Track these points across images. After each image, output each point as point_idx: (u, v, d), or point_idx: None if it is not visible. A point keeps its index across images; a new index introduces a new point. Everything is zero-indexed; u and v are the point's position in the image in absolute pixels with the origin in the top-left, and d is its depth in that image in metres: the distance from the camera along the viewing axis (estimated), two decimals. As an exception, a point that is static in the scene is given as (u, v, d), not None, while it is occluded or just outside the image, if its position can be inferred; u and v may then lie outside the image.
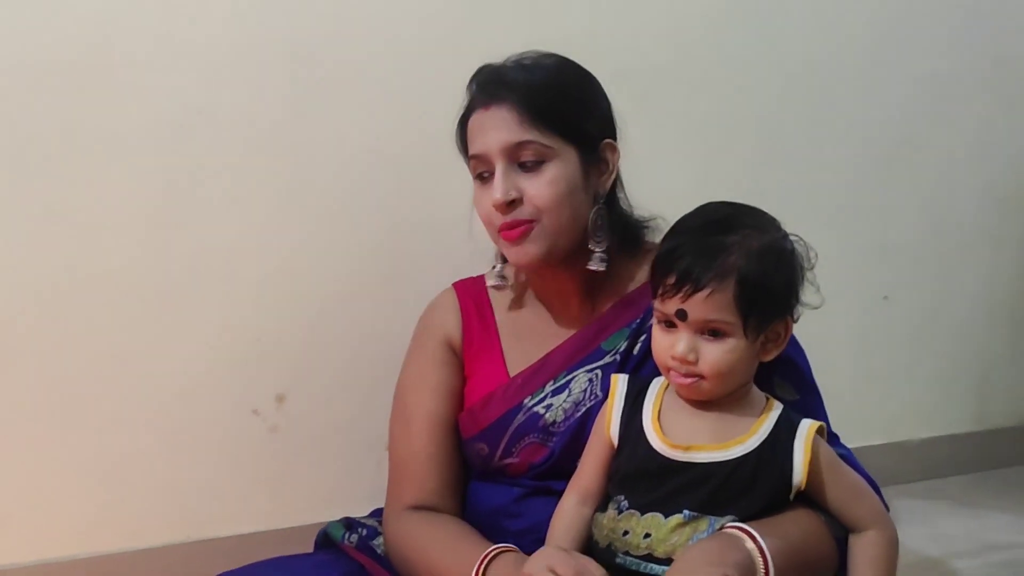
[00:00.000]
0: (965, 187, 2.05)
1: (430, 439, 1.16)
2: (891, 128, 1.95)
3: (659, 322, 0.97)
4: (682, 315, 0.93)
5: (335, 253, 1.51)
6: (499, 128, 1.06)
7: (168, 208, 1.40)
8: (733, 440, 0.93)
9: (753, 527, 0.89)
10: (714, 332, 0.92)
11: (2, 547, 1.33)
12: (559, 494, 1.05)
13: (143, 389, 1.41)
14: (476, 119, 1.09)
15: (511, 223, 1.07)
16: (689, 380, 0.93)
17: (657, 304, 0.96)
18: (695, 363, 0.93)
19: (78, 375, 1.37)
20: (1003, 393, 2.15)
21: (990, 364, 2.14)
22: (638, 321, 1.11)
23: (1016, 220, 2.12)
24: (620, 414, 0.98)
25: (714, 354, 0.92)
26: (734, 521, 0.90)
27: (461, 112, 1.13)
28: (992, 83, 2.04)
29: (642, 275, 1.14)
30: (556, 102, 1.07)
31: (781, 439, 0.94)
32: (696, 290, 0.91)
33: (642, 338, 1.10)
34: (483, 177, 1.09)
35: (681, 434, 0.94)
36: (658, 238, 1.14)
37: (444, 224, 1.50)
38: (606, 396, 1.07)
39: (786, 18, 1.82)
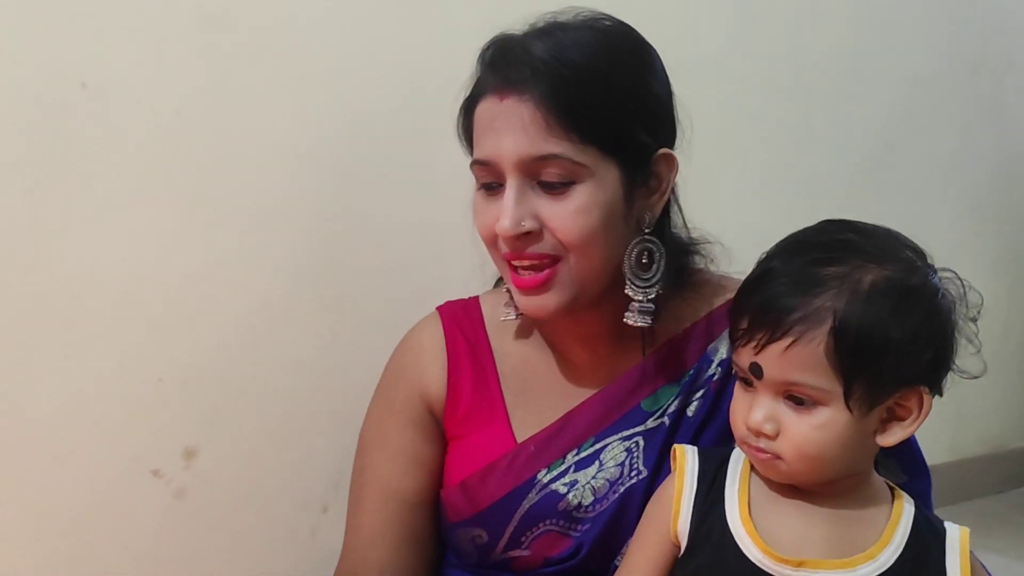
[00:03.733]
0: (941, 196, 1.95)
1: (379, 515, 0.91)
2: (869, 134, 1.85)
3: (738, 379, 0.73)
4: (757, 371, 0.70)
5: (259, 268, 1.20)
6: (516, 132, 0.78)
7: (38, 209, 1.06)
8: (860, 555, 0.70)
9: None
10: (798, 399, 0.69)
11: None
12: (588, 601, 0.80)
13: (10, 447, 1.07)
14: (486, 110, 0.81)
15: (523, 257, 0.80)
16: (764, 455, 0.70)
17: (733, 355, 0.73)
18: (774, 437, 0.69)
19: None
20: (977, 420, 2.04)
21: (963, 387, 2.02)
22: (691, 373, 0.86)
23: (990, 231, 2.02)
24: (692, 503, 0.73)
25: (798, 429, 0.69)
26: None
27: (467, 93, 0.85)
28: (969, 89, 1.94)
29: (693, 313, 0.89)
30: (598, 100, 0.78)
31: (926, 553, 0.71)
32: (772, 339, 0.68)
33: (698, 395, 0.85)
34: (489, 188, 0.82)
35: (787, 541, 0.70)
36: (711, 265, 0.91)
37: (404, 231, 1.25)
38: (653, 474, 0.82)
39: (766, 20, 1.68)
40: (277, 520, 1.26)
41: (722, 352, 0.86)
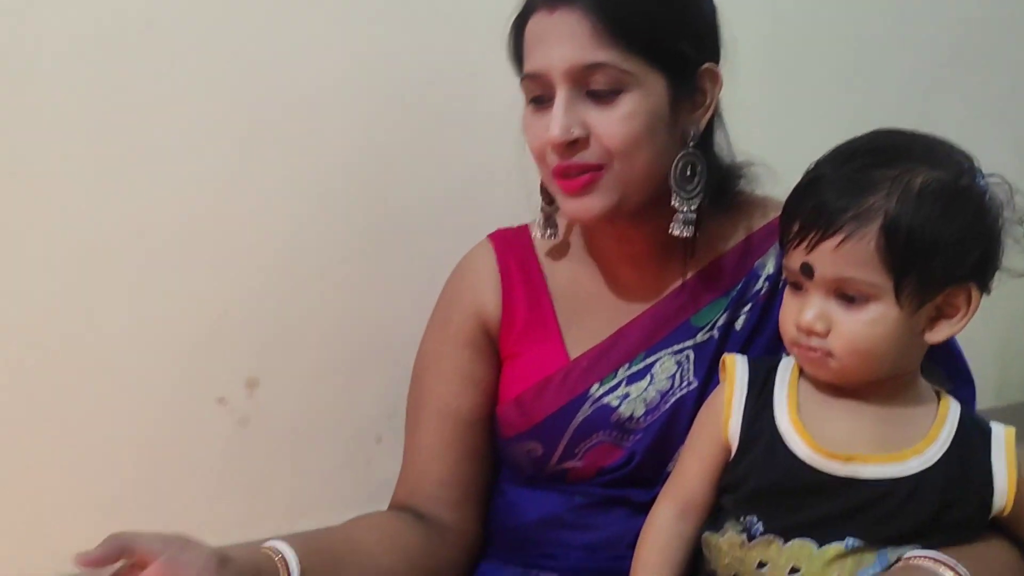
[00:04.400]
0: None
1: (437, 434, 0.95)
2: (933, 49, 1.79)
3: (789, 283, 0.75)
4: (808, 271, 0.71)
5: (317, 205, 1.23)
6: (565, 42, 0.81)
7: (105, 146, 1.10)
8: (907, 450, 0.72)
9: (952, 557, 0.68)
10: (849, 296, 0.71)
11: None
12: (639, 506, 0.84)
13: (82, 378, 1.13)
14: (536, 25, 0.84)
15: (571, 167, 0.83)
16: (815, 354, 0.72)
17: (783, 259, 0.75)
18: (825, 335, 0.71)
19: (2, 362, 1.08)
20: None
21: (1010, 330, 2.01)
22: (739, 288, 0.88)
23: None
24: (742, 407, 0.76)
25: (849, 325, 0.71)
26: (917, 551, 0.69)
27: (516, 13, 0.87)
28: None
29: (736, 232, 0.91)
30: (645, 11, 0.81)
31: (972, 450, 0.73)
32: (824, 236, 0.70)
33: (746, 309, 0.87)
34: (539, 102, 0.85)
35: (836, 439, 0.72)
36: (756, 188, 0.93)
37: (454, 164, 1.27)
38: (703, 384, 0.85)
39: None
40: (334, 450, 1.31)
41: (769, 267, 0.89)
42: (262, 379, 1.24)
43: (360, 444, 1.31)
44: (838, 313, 0.71)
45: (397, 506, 0.94)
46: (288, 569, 0.75)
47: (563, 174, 0.84)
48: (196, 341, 1.19)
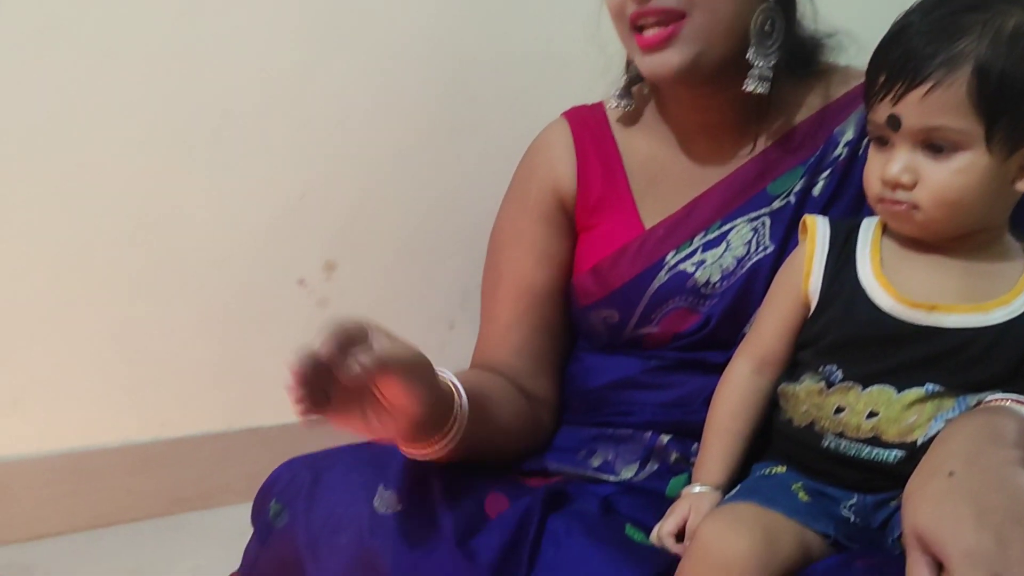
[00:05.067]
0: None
1: (514, 306, 0.97)
2: None
3: (873, 139, 0.75)
4: (894, 123, 0.71)
5: (392, 94, 1.26)
6: None
7: (188, 34, 1.13)
8: (992, 301, 0.72)
9: (1035, 398, 0.69)
10: (937, 146, 0.70)
11: (14, 435, 1.12)
12: (714, 367, 0.85)
13: (170, 256, 1.18)
14: None
15: (649, 12, 0.82)
16: (900, 207, 0.72)
17: (868, 114, 0.75)
18: (911, 187, 0.71)
19: (96, 240, 1.13)
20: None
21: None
22: (817, 155, 0.88)
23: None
24: (823, 264, 0.77)
25: (938, 176, 0.70)
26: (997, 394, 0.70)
27: None
28: None
29: (815, 100, 0.91)
30: None
31: None
32: (912, 85, 0.69)
33: (824, 175, 0.88)
34: None
35: (918, 290, 0.73)
36: (839, 58, 0.92)
37: (525, 52, 1.28)
38: (780, 248, 0.86)
39: None
40: (409, 334, 1.32)
41: (849, 134, 0.88)
42: (340, 262, 1.28)
43: (434, 329, 1.35)
44: (925, 164, 0.70)
45: (482, 367, 0.97)
46: (460, 403, 0.77)
47: (641, 24, 0.83)
48: (276, 224, 1.23)
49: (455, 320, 1.36)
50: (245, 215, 1.21)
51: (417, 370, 0.70)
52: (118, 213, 1.15)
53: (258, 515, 0.87)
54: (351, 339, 0.67)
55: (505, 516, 0.79)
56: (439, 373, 0.78)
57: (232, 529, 1.06)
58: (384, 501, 0.81)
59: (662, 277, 0.89)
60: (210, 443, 1.21)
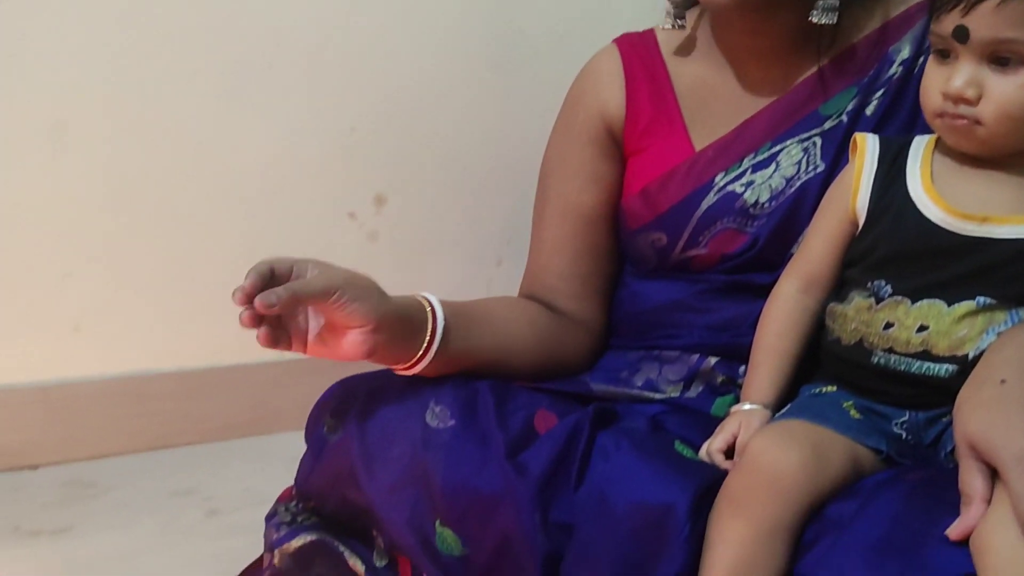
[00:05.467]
0: None
1: (559, 229, 0.98)
2: None
3: (934, 52, 0.73)
4: (961, 34, 0.69)
5: (444, 27, 1.26)
6: None
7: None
8: None
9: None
10: (1004, 59, 0.68)
11: (77, 358, 1.16)
12: (762, 288, 0.86)
13: (225, 185, 1.21)
14: None
15: None
16: (962, 122, 0.71)
17: (932, 25, 0.73)
18: (975, 102, 0.70)
19: (152, 168, 1.16)
20: None
21: None
22: (871, 74, 0.87)
23: None
24: (872, 181, 0.76)
25: (1004, 89, 0.68)
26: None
27: None
28: None
29: (872, 20, 0.90)
30: None
31: None
32: None
33: (878, 94, 0.87)
34: None
35: (970, 202, 0.72)
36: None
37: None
38: (830, 168, 0.85)
39: None
40: (456, 270, 1.37)
41: (905, 52, 0.87)
42: (389, 196, 1.30)
43: (481, 266, 1.36)
44: (991, 78, 0.69)
45: (525, 296, 0.99)
46: (435, 319, 0.81)
47: None
48: (327, 157, 1.25)
49: (502, 257, 1.37)
50: (297, 148, 1.23)
51: (343, 293, 0.75)
52: (173, 146, 1.18)
53: (313, 430, 0.89)
54: (277, 275, 0.75)
55: (554, 432, 0.80)
56: (419, 297, 0.83)
57: (284, 455, 1.09)
58: (436, 416, 0.83)
59: (711, 198, 0.89)
60: (263, 371, 1.24)
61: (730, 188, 0.89)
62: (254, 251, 1.22)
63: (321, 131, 1.24)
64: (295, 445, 1.04)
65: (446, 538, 0.79)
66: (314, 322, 0.78)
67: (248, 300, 0.73)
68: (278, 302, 0.71)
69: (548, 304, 0.96)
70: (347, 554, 0.85)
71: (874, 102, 0.86)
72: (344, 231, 1.28)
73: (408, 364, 0.82)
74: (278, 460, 1.10)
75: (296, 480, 0.91)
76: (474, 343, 0.86)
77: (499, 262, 1.37)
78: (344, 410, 0.86)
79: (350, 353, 0.78)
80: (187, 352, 1.21)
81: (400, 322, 0.79)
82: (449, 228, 1.34)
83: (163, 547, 0.98)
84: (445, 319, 0.82)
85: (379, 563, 0.86)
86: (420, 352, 0.81)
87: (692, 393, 0.90)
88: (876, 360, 0.74)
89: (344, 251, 1.28)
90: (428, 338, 0.81)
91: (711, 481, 0.73)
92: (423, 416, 0.83)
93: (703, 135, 0.92)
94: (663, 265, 0.93)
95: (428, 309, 0.82)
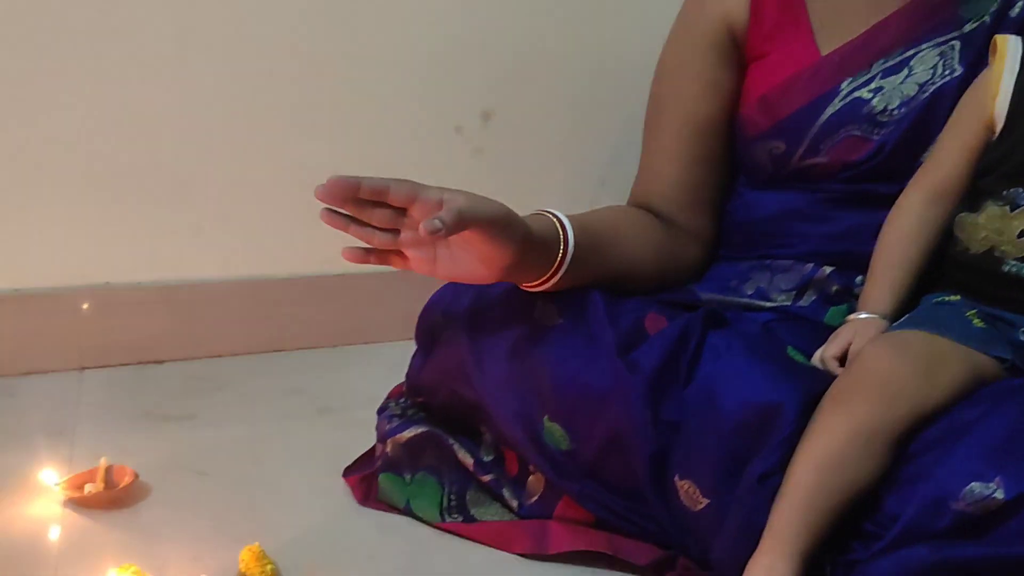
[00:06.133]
0: None
1: (675, 136, 0.96)
2: None
3: None
4: None
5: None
6: None
7: None
8: None
9: None
10: None
11: (198, 260, 1.21)
12: (884, 198, 0.84)
13: (337, 97, 1.23)
14: None
15: None
16: None
17: None
18: None
19: (270, 77, 1.19)
20: None
21: None
22: None
23: None
24: (1012, 84, 0.73)
25: None
26: None
27: None
28: None
29: None
30: None
31: None
32: None
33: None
34: None
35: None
36: None
37: None
38: (968, 72, 0.82)
39: None
40: (560, 188, 1.37)
41: (1056, -49, 0.83)
42: (496, 112, 1.30)
43: (584, 185, 1.36)
44: None
45: (635, 205, 0.98)
46: (566, 239, 0.80)
47: None
48: (435, 69, 1.26)
49: (605, 178, 1.37)
50: (407, 58, 1.24)
51: (499, 222, 0.73)
52: (291, 56, 1.20)
53: (423, 328, 0.92)
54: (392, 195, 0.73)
55: (665, 331, 0.81)
56: (546, 213, 0.81)
57: (389, 362, 1.12)
58: (545, 314, 0.84)
59: (836, 105, 0.87)
60: (373, 281, 1.26)
61: (857, 94, 0.86)
62: (365, 163, 1.25)
63: (431, 43, 1.24)
64: (400, 353, 1.07)
65: (553, 432, 0.81)
66: (445, 249, 0.77)
67: (333, 197, 0.73)
68: (444, 228, 0.69)
69: (659, 214, 0.95)
70: (456, 447, 0.88)
71: (1019, 4, 0.82)
72: (450, 146, 1.29)
73: (537, 283, 0.82)
74: (384, 367, 1.13)
75: (407, 376, 0.94)
76: (600, 260, 0.85)
77: (602, 183, 1.36)
78: (454, 308, 0.88)
79: (485, 276, 0.77)
80: (299, 259, 1.25)
81: (535, 244, 0.78)
82: (554, 146, 1.34)
83: (279, 437, 1.03)
84: (575, 239, 0.81)
85: (486, 457, 0.89)
86: (550, 272, 0.80)
87: (804, 302, 0.89)
88: (1007, 269, 0.72)
89: (449, 166, 1.30)
90: (559, 258, 0.80)
91: (822, 386, 0.73)
92: (531, 314, 0.84)
93: (830, 39, 0.89)
94: (779, 174, 0.92)
95: (559, 228, 0.81)
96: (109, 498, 0.87)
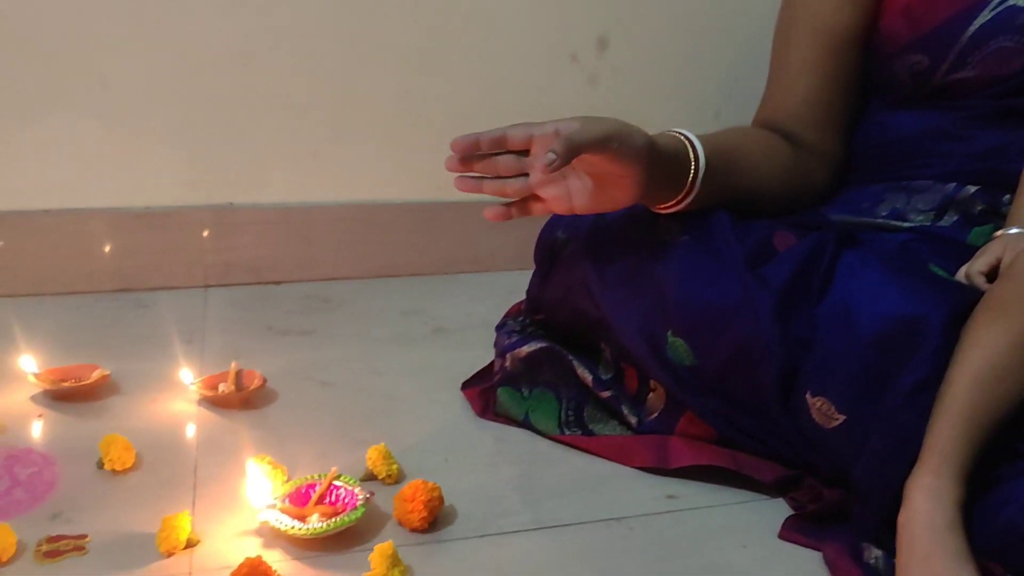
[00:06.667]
0: None
1: (808, 51, 0.92)
2: None
3: None
4: None
5: None
6: None
7: None
8: None
9: None
10: None
11: (315, 184, 1.23)
12: (1033, 115, 0.79)
13: (452, 25, 1.22)
14: None
15: None
16: None
17: None
18: None
19: (384, 5, 1.19)
20: None
21: None
22: None
23: None
24: None
25: None
26: None
27: None
28: None
29: None
30: None
31: None
32: None
33: None
34: None
35: None
36: None
37: None
38: None
39: None
40: (671, 120, 1.33)
41: None
42: (612, 40, 1.28)
43: (700, 117, 1.33)
44: None
45: (761, 125, 0.96)
46: (697, 158, 0.79)
47: None
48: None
49: (720, 109, 1.33)
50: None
51: (615, 137, 0.72)
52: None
53: (543, 247, 0.91)
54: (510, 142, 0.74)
55: (795, 248, 0.79)
56: (674, 132, 0.80)
57: (502, 289, 1.13)
58: (668, 231, 0.83)
59: (986, 15, 0.82)
60: (467, 208, 1.28)
61: (1011, 2, 0.81)
62: (478, 90, 1.26)
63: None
64: (513, 281, 1.08)
65: (677, 348, 0.80)
66: (577, 180, 0.76)
67: (459, 159, 0.76)
68: (558, 158, 0.68)
69: (788, 134, 0.92)
70: (576, 363, 0.88)
71: None
72: (566, 73, 1.27)
73: (671, 203, 0.80)
74: (497, 294, 1.14)
75: (527, 293, 0.94)
76: (729, 180, 0.83)
77: (717, 114, 1.33)
78: (575, 226, 0.88)
79: (622, 199, 0.76)
80: (414, 185, 1.26)
81: (663, 158, 0.76)
82: (669, 76, 1.31)
83: (397, 353, 1.05)
84: (706, 160, 0.79)
85: (604, 375, 0.88)
86: (684, 191, 0.79)
87: (944, 222, 0.86)
88: None
89: (564, 95, 1.29)
90: (691, 175, 0.79)
91: (970, 299, 0.70)
92: (654, 231, 0.83)
93: None
94: (919, 92, 0.88)
95: (687, 145, 0.79)
96: (240, 399, 0.90)
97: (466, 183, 0.77)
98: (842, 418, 0.71)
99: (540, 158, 0.70)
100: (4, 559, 0.66)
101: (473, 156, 0.76)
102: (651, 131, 0.82)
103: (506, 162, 0.75)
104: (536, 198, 0.78)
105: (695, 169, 0.79)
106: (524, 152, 0.75)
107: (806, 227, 0.85)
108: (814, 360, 0.74)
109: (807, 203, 0.93)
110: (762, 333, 0.75)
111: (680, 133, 0.81)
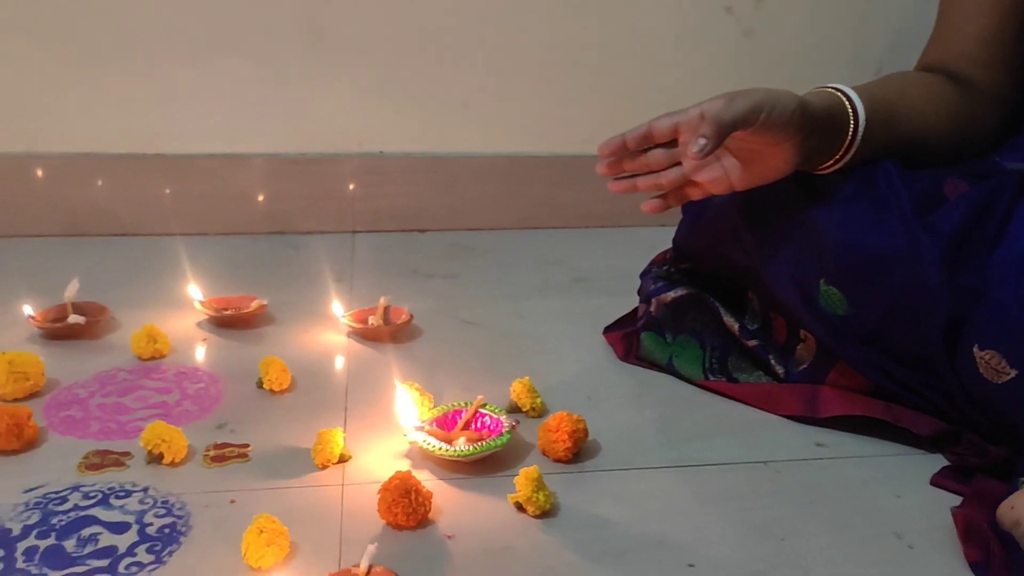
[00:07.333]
0: None
1: None
2: None
3: None
4: None
5: None
6: None
7: None
8: None
9: None
10: None
11: (463, 134, 1.25)
12: None
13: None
14: None
15: None
16: None
17: None
18: None
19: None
20: None
21: None
22: None
23: None
24: None
25: None
26: None
27: None
28: None
29: None
30: None
31: None
32: None
33: None
34: None
35: None
36: None
37: None
38: None
39: None
40: (827, 78, 1.29)
41: None
42: (770, -10, 1.24)
43: (860, 72, 1.28)
44: None
45: (925, 69, 0.91)
46: (856, 114, 0.75)
47: None
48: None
49: (882, 64, 1.28)
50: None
51: (763, 107, 0.69)
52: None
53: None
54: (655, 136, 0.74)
55: (968, 195, 0.74)
56: (829, 88, 0.76)
57: (641, 244, 1.12)
58: (828, 180, 0.79)
59: None
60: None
61: None
62: (631, 41, 1.24)
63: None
64: (653, 236, 1.07)
65: (831, 296, 0.77)
66: (731, 159, 0.75)
67: (610, 164, 0.76)
68: (709, 142, 0.67)
69: (957, 75, 0.87)
70: (722, 310, 0.87)
71: None
72: (720, 25, 1.24)
73: (830, 163, 0.77)
74: (636, 248, 1.13)
75: (674, 241, 0.93)
76: (893, 133, 0.79)
77: (879, 70, 1.27)
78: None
79: (782, 168, 0.74)
80: (560, 138, 1.27)
81: (819, 119, 0.73)
82: (828, 32, 1.26)
83: (539, 298, 1.06)
84: (866, 112, 0.75)
85: (751, 325, 0.86)
86: (842, 150, 0.76)
87: None
88: None
89: (718, 47, 1.26)
90: (851, 133, 0.75)
91: None
92: (812, 179, 0.80)
93: None
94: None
95: (846, 102, 0.76)
96: (388, 332, 0.93)
97: (620, 184, 0.78)
98: (1014, 373, 0.67)
99: (690, 145, 0.68)
100: (178, 459, 0.71)
101: (622, 156, 0.76)
102: (805, 89, 0.79)
103: (656, 156, 0.75)
104: (692, 184, 0.77)
105: (855, 126, 0.76)
106: (672, 144, 0.74)
107: (979, 175, 0.81)
108: (984, 312, 0.70)
109: (976, 150, 0.87)
110: (928, 281, 0.71)
111: (836, 88, 0.77)
